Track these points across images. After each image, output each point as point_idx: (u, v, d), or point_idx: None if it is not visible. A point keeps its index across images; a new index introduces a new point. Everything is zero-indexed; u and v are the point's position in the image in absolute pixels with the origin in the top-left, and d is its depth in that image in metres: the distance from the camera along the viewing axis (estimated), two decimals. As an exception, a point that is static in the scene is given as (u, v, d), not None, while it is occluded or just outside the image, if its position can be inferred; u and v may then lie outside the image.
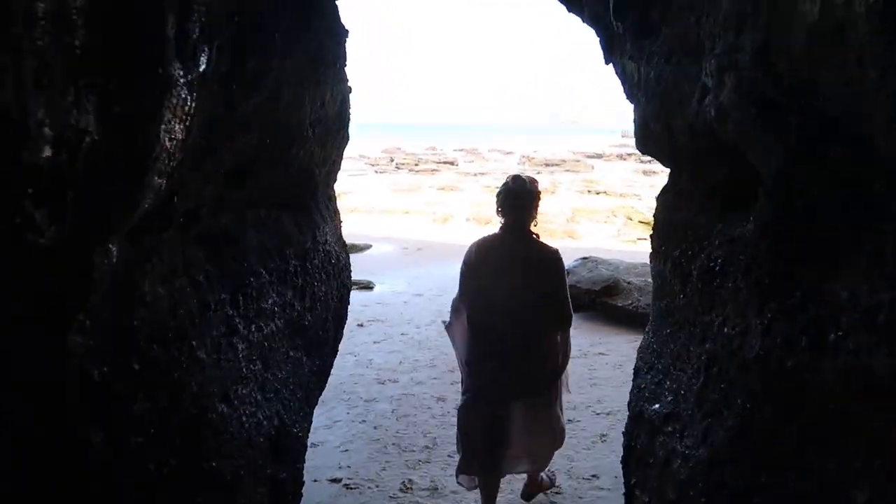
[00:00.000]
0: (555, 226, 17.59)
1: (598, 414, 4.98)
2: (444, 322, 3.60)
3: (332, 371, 5.92)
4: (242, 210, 2.51)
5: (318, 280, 3.15)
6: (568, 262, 11.59)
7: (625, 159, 58.70)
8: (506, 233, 3.03)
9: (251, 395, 2.40)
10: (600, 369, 5.84)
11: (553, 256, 2.98)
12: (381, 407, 4.99)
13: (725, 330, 2.06)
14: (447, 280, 10.47)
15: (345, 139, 3.40)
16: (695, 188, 2.56)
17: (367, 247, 13.91)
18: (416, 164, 45.51)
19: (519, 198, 3.00)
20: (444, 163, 47.73)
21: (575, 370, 5.73)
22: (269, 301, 2.61)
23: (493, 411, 3.03)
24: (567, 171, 42.59)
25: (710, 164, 2.36)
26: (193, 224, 2.09)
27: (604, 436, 4.52)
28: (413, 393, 5.23)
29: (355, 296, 9.58)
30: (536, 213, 3.06)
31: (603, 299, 7.39)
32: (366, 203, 23.47)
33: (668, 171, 2.91)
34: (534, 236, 3.05)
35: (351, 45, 3.03)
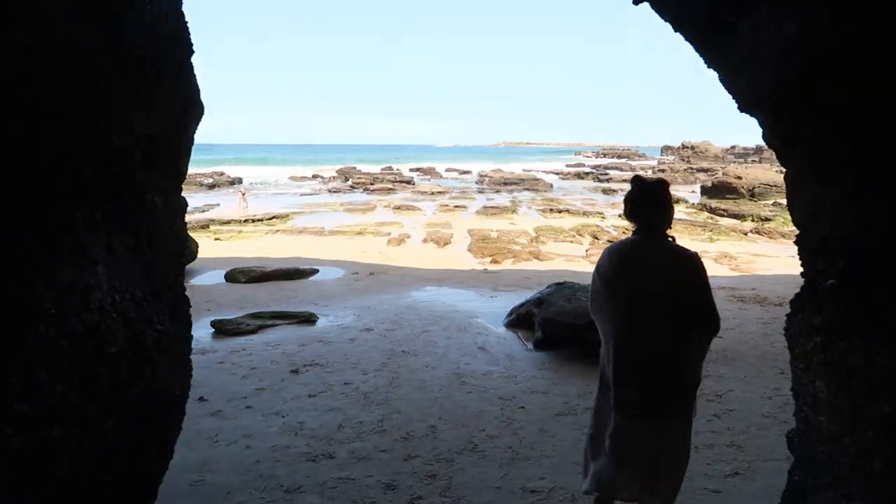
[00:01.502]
0: (519, 246, 16.44)
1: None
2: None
3: (251, 441, 4.61)
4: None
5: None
6: (537, 287, 10.43)
7: (582, 178, 58.76)
8: (641, 238, 2.82)
9: None
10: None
11: (693, 258, 2.76)
12: (308, 502, 3.60)
13: None
14: (401, 311, 9.20)
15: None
16: None
17: (313, 272, 12.49)
18: (372, 184, 44.27)
19: (652, 199, 2.82)
20: (401, 182, 46.61)
21: (565, 434, 4.46)
22: None
23: (628, 425, 2.80)
24: (526, 189, 41.94)
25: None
26: None
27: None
28: (353, 476, 3.87)
29: (292, 332, 8.33)
30: (671, 214, 2.86)
31: (589, 336, 6.17)
32: (317, 223, 22.05)
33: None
34: (669, 239, 2.81)
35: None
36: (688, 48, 2.83)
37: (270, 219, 23.00)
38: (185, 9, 2.67)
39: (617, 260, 2.84)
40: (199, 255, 14.57)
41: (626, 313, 2.77)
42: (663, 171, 62.82)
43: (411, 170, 63.48)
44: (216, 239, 18.45)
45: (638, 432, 2.79)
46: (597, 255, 15.54)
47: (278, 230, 20.28)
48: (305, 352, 6.79)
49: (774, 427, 4.42)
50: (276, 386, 5.66)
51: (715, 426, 4.46)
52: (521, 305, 8.13)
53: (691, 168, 64.49)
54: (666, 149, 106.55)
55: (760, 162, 73.25)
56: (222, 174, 48.44)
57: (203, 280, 12.21)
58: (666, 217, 2.83)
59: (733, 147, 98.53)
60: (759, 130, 2.64)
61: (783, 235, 19.62)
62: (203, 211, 26.96)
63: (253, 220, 22.43)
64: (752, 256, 14.75)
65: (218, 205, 30.16)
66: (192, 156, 3.16)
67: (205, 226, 20.31)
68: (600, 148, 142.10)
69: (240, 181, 29.20)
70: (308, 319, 8.41)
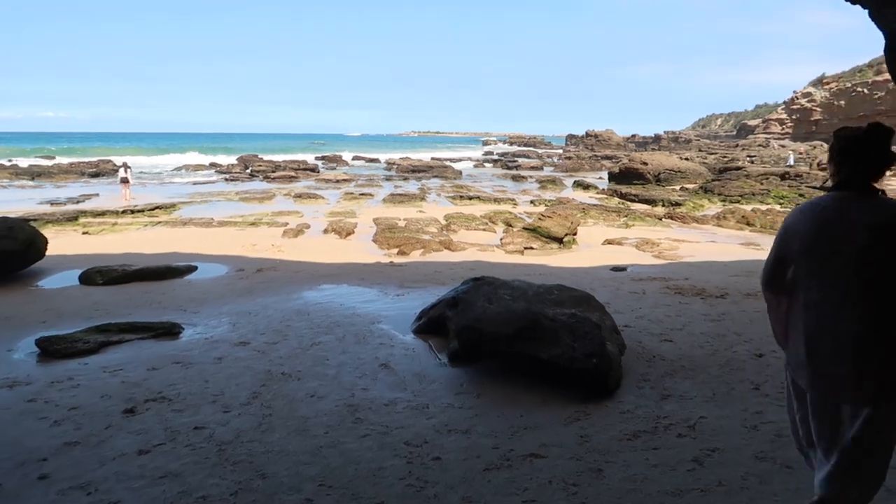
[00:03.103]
0: (429, 236, 15.11)
1: None
2: None
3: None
4: None
5: None
6: (451, 282, 9.12)
7: (491, 166, 58.28)
8: (842, 192, 2.36)
9: None
10: (538, 488, 3.29)
11: None
12: None
13: None
14: (289, 316, 7.61)
15: None
16: None
17: (190, 269, 10.65)
18: (274, 171, 41.69)
19: (860, 144, 2.37)
20: (304, 170, 44.23)
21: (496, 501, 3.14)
22: None
23: (821, 405, 2.37)
24: (435, 176, 40.70)
25: None
26: None
27: None
28: None
29: (144, 350, 6.52)
30: (885, 165, 2.37)
31: (519, 347, 4.90)
32: (206, 214, 19.84)
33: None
34: (879, 194, 2.34)
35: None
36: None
37: (153, 209, 20.53)
38: None
39: (812, 217, 2.41)
40: (53, 253, 12.33)
41: (833, 280, 2.35)
42: (570, 158, 63.43)
43: (317, 158, 60.93)
44: (84, 233, 16.04)
45: (837, 415, 2.36)
46: (512, 243, 14.46)
47: (160, 222, 17.99)
48: (154, 379, 5.16)
49: (778, 475, 3.29)
50: (95, 437, 4.05)
51: (701, 478, 3.28)
52: (433, 306, 6.80)
53: (596, 156, 65.52)
54: (570, 137, 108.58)
55: (659, 149, 75.63)
56: (108, 162, 44.38)
57: (52, 283, 10.13)
58: (878, 167, 2.39)
59: (634, 136, 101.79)
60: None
61: (696, 220, 19.35)
62: (78, 201, 23.99)
63: (133, 212, 19.92)
64: (673, 242, 14.10)
65: (97, 195, 27.11)
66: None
67: (72, 217, 17.70)
68: (507, 137, 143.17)
69: (128, 169, 26.09)
70: (169, 332, 6.73)
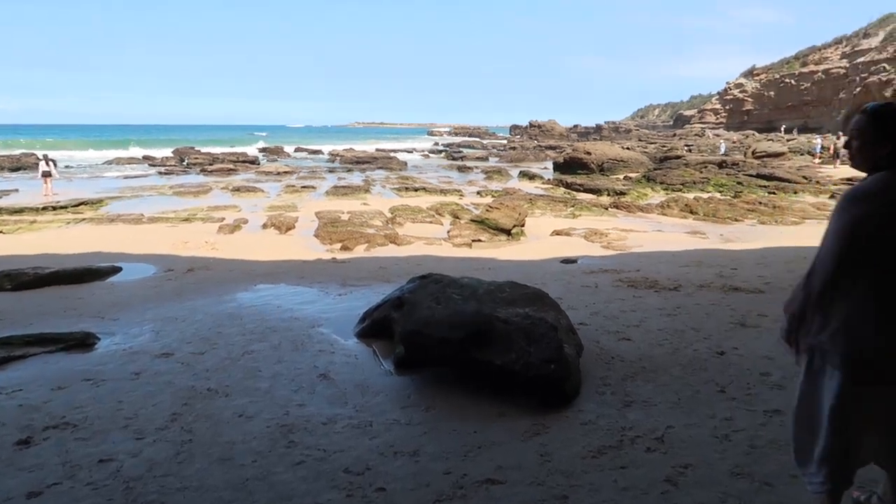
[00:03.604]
0: (373, 229, 14.57)
1: None
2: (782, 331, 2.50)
3: None
4: None
5: None
6: (396, 279, 8.64)
7: (435, 156, 57.84)
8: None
9: None
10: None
11: None
12: None
13: None
14: (220, 321, 6.99)
15: None
16: None
17: (114, 271, 9.85)
18: (211, 164, 40.19)
19: None
20: (244, 162, 42.82)
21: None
22: None
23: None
24: (380, 167, 39.98)
25: None
26: None
27: None
28: None
29: (51, 365, 5.14)
30: None
31: (470, 354, 4.49)
32: (136, 209, 18.71)
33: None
34: None
35: None
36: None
37: (77, 205, 19.27)
38: None
39: (887, 201, 2.23)
40: (-41, 255, 11.32)
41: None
42: (514, 148, 63.62)
43: (259, 150, 59.24)
44: (-2, 232, 14.85)
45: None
46: (460, 236, 14.07)
47: (84, 219, 16.85)
48: (58, 401, 4.54)
49: (759, 494, 2.97)
50: (-27, 478, 3.43)
51: (677, 502, 2.93)
52: (377, 307, 6.33)
53: (540, 146, 65.92)
54: (514, 128, 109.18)
55: (601, 139, 76.72)
56: (31, 155, 41.88)
57: (-46, 289, 9.18)
58: None
59: (576, 126, 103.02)
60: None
61: (641, 209, 19.40)
62: (-5, 198, 22.42)
63: (55, 208, 18.65)
64: (621, 232, 13.97)
65: (16, 190, 25.43)
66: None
67: (-16, 216, 16.42)
68: (452, 128, 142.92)
69: (51, 162, 24.51)
70: (82, 343, 6.04)
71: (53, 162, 24.75)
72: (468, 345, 4.56)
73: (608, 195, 23.44)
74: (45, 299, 8.18)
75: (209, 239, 13.14)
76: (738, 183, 25.66)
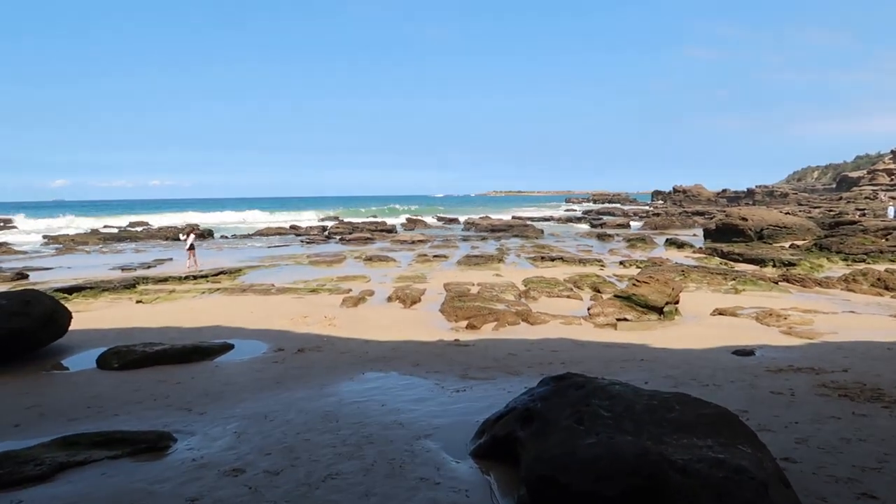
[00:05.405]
0: (504, 305, 13.20)
1: None
2: None
3: None
4: None
5: None
6: (527, 371, 7.06)
7: (575, 223, 56.05)
8: None
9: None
10: None
11: None
12: None
13: None
14: (312, 423, 5.81)
15: None
16: None
17: (224, 349, 9.22)
18: (350, 233, 41.18)
19: None
20: (381, 231, 43.56)
21: None
22: None
23: None
24: (515, 235, 38.91)
25: None
26: None
27: None
28: None
29: (108, 479, 3.04)
30: None
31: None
32: (269, 279, 18.77)
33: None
34: None
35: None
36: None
37: (217, 274, 19.72)
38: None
39: None
40: (89, 326, 11.33)
41: None
42: (658, 214, 60.26)
43: (406, 219, 60.72)
44: (138, 301, 15.16)
45: None
46: (603, 314, 12.32)
47: (220, 289, 16.99)
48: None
49: None
50: None
51: None
52: (499, 417, 4.92)
53: (686, 212, 62.05)
54: (657, 193, 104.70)
55: (755, 204, 71.09)
56: (196, 226, 45.37)
57: (71, 363, 8.93)
58: None
59: (724, 191, 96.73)
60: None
61: (818, 283, 16.49)
62: (149, 266, 23.67)
63: (195, 277, 19.15)
64: (804, 314, 11.49)
65: (171, 259, 26.91)
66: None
67: (130, 285, 16.97)
68: (590, 195, 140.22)
69: (191, 233, 25.87)
70: (153, 446, 5.14)
71: (194, 234, 26.00)
72: (628, 510, 3.00)
73: (773, 266, 20.52)
74: (144, 382, 7.56)
75: (329, 313, 12.40)
76: (938, 252, 21.65)
